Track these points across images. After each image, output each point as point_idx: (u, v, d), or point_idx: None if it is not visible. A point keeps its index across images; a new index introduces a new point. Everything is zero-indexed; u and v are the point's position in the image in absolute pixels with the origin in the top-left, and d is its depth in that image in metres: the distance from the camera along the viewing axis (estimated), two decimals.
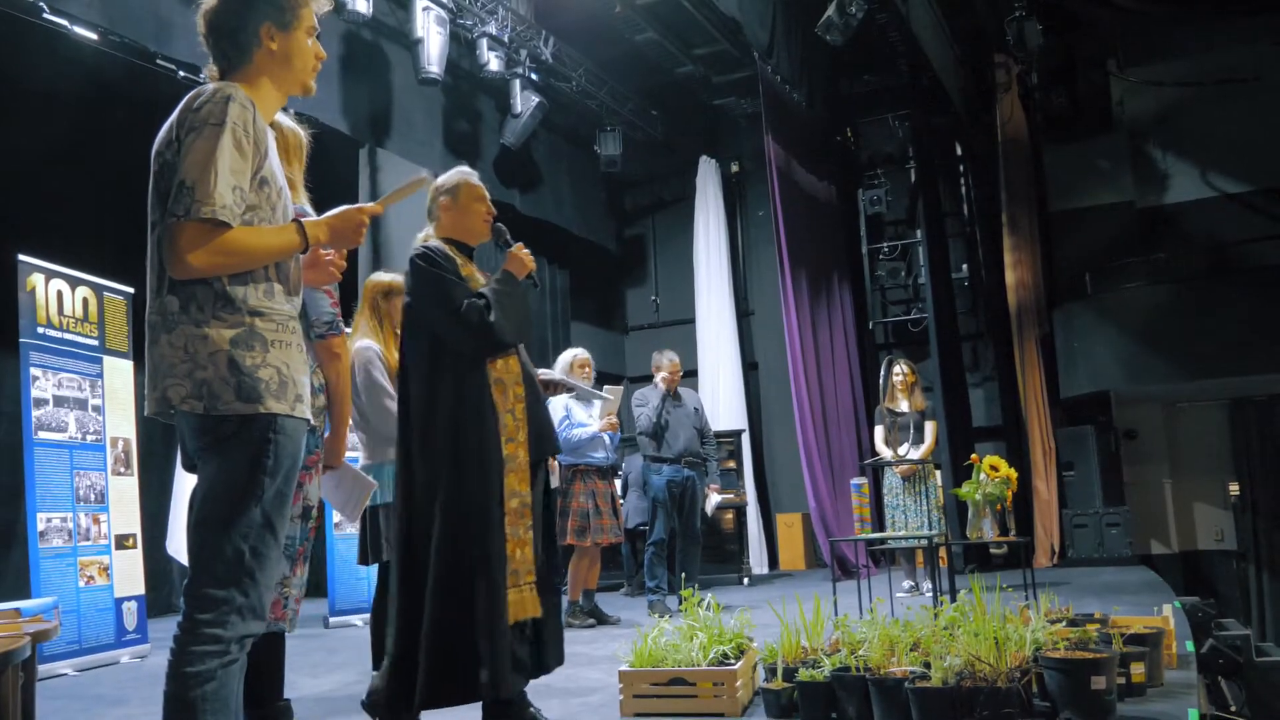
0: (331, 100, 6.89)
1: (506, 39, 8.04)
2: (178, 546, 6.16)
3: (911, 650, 3.24)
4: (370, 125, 7.38)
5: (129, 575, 5.36)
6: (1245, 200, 9.76)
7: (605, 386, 6.01)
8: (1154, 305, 9.02)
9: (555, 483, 5.73)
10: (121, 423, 5.49)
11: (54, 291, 5.15)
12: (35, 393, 4.96)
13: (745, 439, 9.92)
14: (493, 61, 7.86)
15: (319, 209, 2.45)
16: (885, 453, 6.60)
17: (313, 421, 2.74)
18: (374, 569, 3.91)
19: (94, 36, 5.70)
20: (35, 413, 4.95)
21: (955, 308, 10.14)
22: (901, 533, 6.52)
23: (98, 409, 5.33)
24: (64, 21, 5.49)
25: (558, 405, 5.92)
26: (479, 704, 2.89)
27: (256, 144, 2.04)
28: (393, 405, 3.77)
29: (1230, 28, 9.59)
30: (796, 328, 8.83)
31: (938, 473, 6.93)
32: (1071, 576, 7.66)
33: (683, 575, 5.84)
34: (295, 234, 2.09)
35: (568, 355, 6.17)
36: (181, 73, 5.96)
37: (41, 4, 5.26)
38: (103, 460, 5.31)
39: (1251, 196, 9.74)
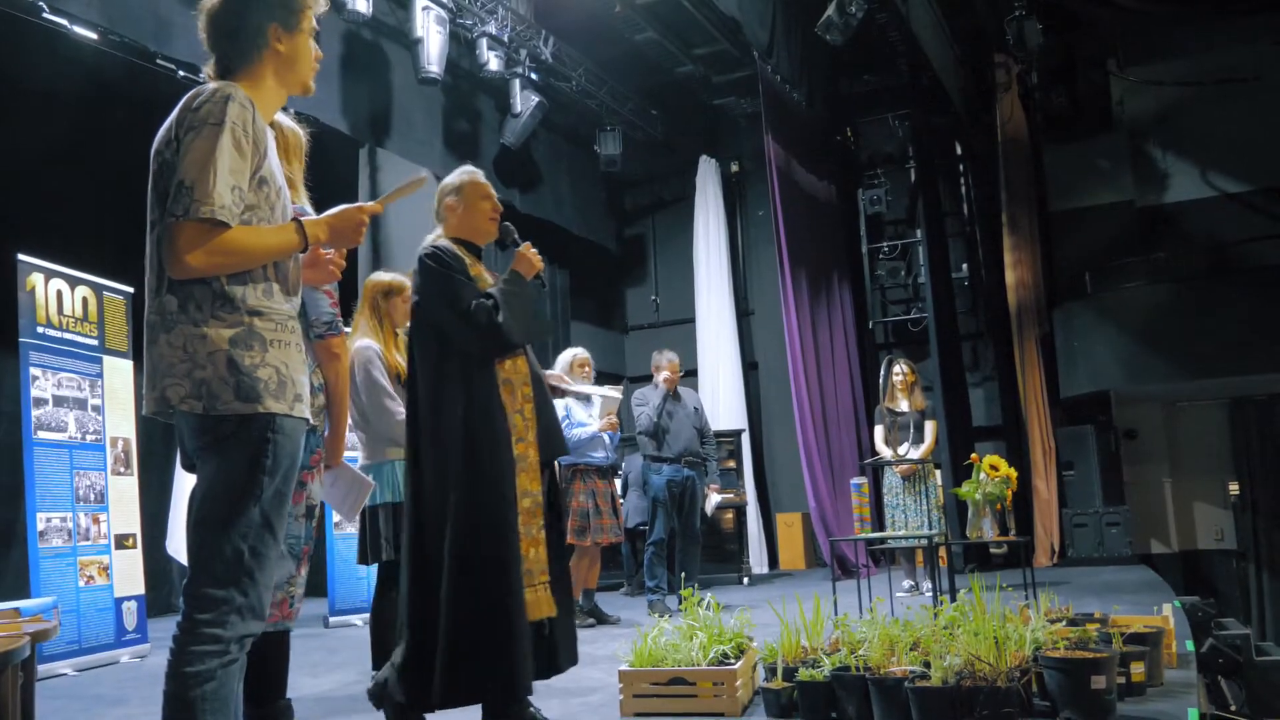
0: (331, 100, 6.89)
1: (506, 39, 8.03)
2: (177, 546, 6.16)
3: (911, 650, 3.24)
4: (370, 125, 7.37)
5: (129, 575, 5.36)
6: (1245, 200, 9.76)
7: (605, 386, 6.01)
8: (1154, 305, 9.02)
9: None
10: (121, 422, 5.49)
11: (54, 291, 5.15)
12: (35, 392, 4.96)
13: (745, 439, 9.92)
14: (492, 61, 7.85)
15: (319, 209, 2.45)
16: (885, 452, 6.60)
17: (313, 421, 2.74)
18: (374, 569, 3.91)
19: (94, 36, 5.70)
20: (35, 412, 4.95)
21: (955, 307, 10.13)
22: (901, 532, 6.52)
23: (97, 409, 5.33)
24: (64, 21, 5.49)
25: (558, 405, 5.91)
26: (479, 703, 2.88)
27: (256, 144, 2.03)
28: (392, 405, 3.78)
29: (1230, 27, 9.59)
30: (796, 327, 8.83)
31: (938, 472, 6.94)
32: (1071, 576, 7.66)
33: (682, 575, 5.84)
34: (294, 233, 2.08)
35: (567, 355, 6.18)
36: (181, 72, 5.96)
37: (41, 4, 5.25)
38: (102, 460, 5.31)
39: (1251, 196, 9.74)
